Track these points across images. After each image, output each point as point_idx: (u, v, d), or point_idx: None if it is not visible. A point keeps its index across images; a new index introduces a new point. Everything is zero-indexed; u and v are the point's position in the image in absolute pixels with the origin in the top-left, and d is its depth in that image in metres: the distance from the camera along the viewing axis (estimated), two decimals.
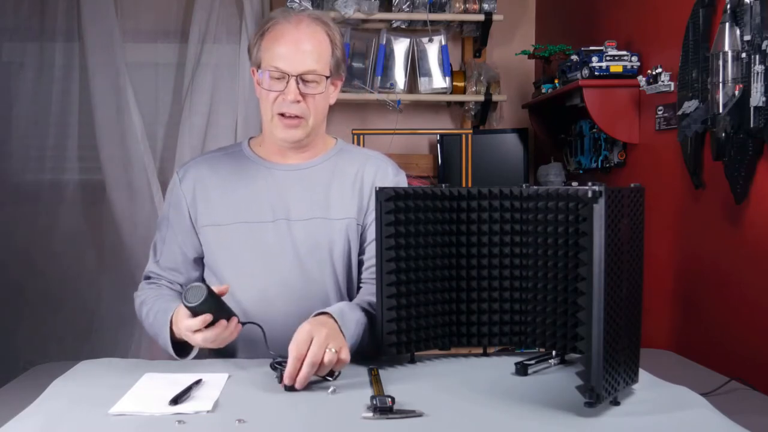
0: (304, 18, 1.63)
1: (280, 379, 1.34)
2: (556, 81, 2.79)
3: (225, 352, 1.64)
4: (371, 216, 1.67)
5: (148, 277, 1.74)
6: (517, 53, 3.15)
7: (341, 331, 1.41)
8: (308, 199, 1.66)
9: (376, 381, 1.36)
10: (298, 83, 1.59)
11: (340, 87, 1.72)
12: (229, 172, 1.70)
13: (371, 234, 1.67)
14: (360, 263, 1.69)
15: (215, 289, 1.43)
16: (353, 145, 1.85)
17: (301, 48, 1.59)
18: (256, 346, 1.63)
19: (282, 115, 1.61)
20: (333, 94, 1.69)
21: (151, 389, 1.34)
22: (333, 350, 1.32)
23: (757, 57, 1.73)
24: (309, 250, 1.64)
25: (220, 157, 1.74)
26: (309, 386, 1.34)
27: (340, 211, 1.66)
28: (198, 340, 1.44)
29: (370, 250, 1.66)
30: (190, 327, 1.42)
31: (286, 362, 1.33)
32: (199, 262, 1.72)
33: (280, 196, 1.66)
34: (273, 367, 1.38)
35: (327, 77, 1.62)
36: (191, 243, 1.70)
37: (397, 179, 1.73)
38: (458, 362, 1.55)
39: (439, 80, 3.23)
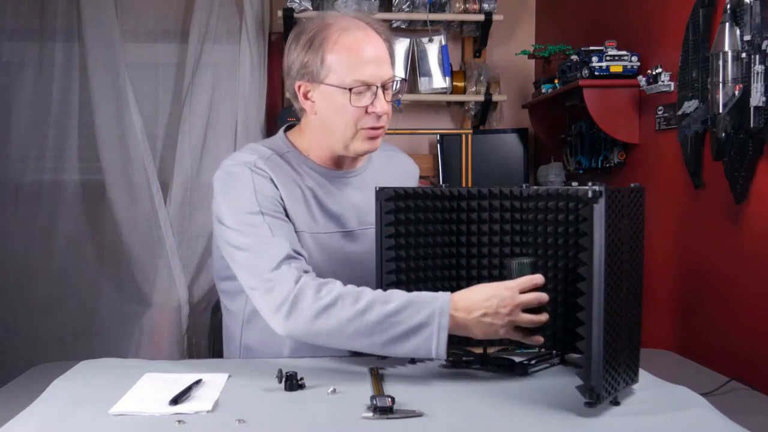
0: (359, 22, 1.53)
1: (280, 379, 1.34)
2: (556, 81, 2.79)
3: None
4: None
5: (290, 258, 1.43)
6: (517, 53, 3.15)
7: None
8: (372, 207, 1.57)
9: (376, 381, 1.36)
10: (384, 93, 1.51)
11: None
12: (292, 177, 1.58)
13: None
14: None
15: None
16: None
17: (380, 55, 1.51)
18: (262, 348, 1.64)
19: (368, 128, 1.52)
20: None
21: (151, 389, 1.34)
22: None
23: (757, 57, 1.73)
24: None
25: (274, 157, 1.58)
26: (309, 386, 1.34)
27: None
28: (526, 299, 1.33)
29: None
30: (526, 282, 1.34)
31: (289, 373, 1.33)
32: None
33: (347, 206, 1.61)
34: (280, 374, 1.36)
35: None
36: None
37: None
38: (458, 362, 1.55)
39: (439, 80, 3.24)
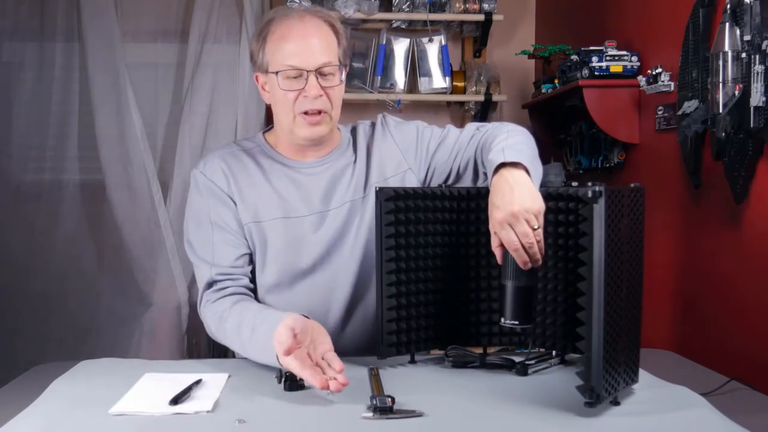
0: (304, 13, 1.59)
1: (280, 379, 1.34)
2: (556, 81, 2.79)
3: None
4: (424, 151, 1.68)
5: (210, 285, 1.60)
6: (517, 53, 3.15)
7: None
8: (339, 188, 1.63)
9: (376, 381, 1.36)
10: (317, 78, 1.54)
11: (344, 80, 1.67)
12: (254, 171, 1.64)
13: (441, 153, 1.67)
14: (461, 166, 1.65)
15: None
16: (350, 126, 1.77)
17: (312, 42, 1.55)
18: None
19: (305, 113, 1.56)
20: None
21: (151, 389, 1.34)
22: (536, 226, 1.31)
23: (757, 57, 1.73)
24: (348, 234, 1.62)
25: (239, 154, 1.66)
26: (309, 386, 1.34)
27: (379, 176, 1.65)
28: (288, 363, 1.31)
29: (453, 148, 1.67)
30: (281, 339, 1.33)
31: (289, 373, 1.33)
32: (249, 258, 1.63)
33: (308, 192, 1.63)
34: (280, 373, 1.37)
35: (342, 65, 1.58)
36: (242, 239, 1.62)
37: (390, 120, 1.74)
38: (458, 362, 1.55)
39: (439, 80, 3.23)
